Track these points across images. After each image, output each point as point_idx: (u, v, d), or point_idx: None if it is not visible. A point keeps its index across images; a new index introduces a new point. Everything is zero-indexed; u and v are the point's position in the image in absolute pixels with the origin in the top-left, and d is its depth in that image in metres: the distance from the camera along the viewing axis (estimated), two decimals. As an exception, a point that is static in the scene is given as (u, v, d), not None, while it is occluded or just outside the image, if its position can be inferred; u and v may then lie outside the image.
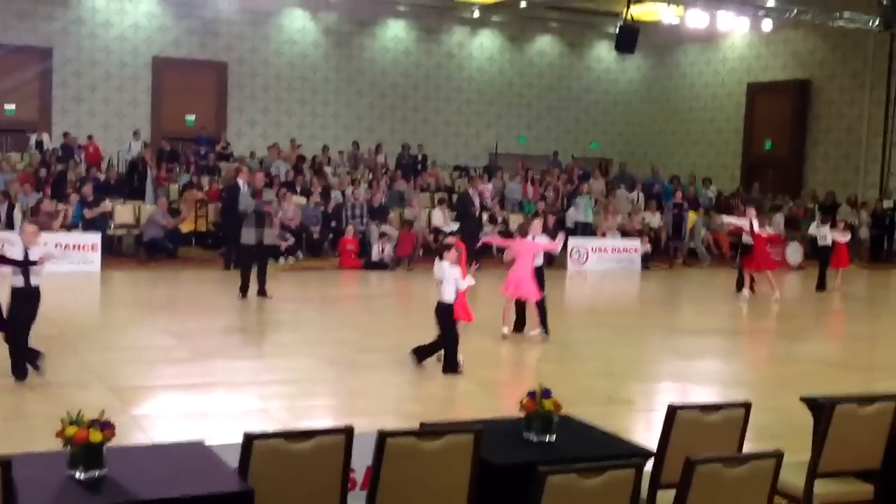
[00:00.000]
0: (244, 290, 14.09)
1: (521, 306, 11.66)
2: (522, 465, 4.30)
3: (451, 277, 9.32)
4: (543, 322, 11.44)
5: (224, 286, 15.70)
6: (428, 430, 4.35)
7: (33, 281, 8.41)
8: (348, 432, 4.27)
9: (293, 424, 7.29)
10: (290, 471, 4.14)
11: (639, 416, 8.68)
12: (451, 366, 9.46)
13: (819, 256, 18.09)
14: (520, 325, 11.70)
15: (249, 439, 4.11)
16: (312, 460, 4.20)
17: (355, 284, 17.12)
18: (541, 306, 11.43)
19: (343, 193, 21.34)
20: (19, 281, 8.38)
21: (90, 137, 23.92)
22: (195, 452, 4.45)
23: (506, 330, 11.54)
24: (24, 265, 8.34)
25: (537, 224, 11.64)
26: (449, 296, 9.35)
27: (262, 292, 14.18)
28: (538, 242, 11.53)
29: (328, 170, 23.83)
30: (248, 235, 14.04)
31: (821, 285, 17.62)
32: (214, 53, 27.17)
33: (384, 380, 9.31)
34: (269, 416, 7.77)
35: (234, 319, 12.92)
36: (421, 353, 9.61)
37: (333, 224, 20.36)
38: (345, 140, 27.64)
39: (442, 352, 9.58)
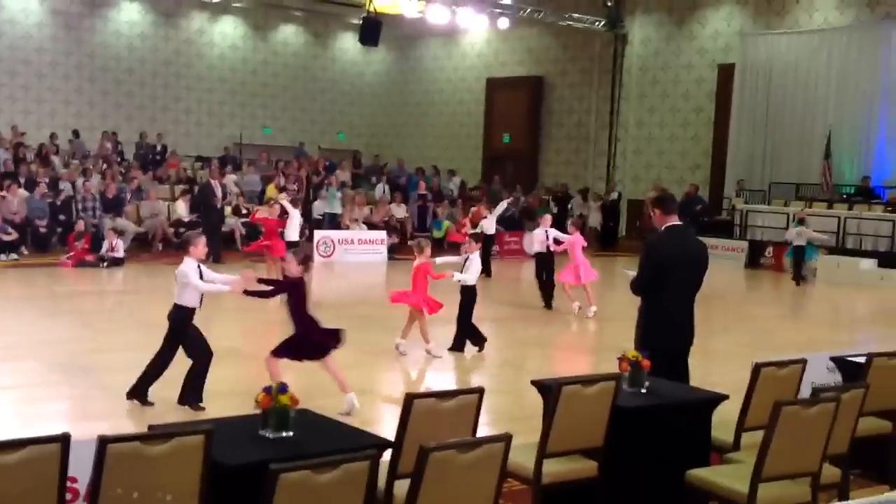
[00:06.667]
0: None
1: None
2: (256, 463, 4.15)
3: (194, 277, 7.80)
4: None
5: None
6: (154, 434, 4.11)
7: None
8: (64, 440, 3.94)
9: (21, 433, 6.71)
10: (-4, 486, 3.77)
11: (383, 406, 8.73)
12: (137, 391, 7.94)
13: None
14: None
15: (-53, 455, 3.70)
16: (24, 472, 3.83)
17: (87, 281, 16.13)
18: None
19: (73, 185, 20.07)
20: None
21: None
22: None
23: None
24: None
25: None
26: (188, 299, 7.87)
27: None
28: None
29: (56, 159, 22.32)
30: None
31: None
32: (-77, 31, 24.73)
33: (119, 381, 8.81)
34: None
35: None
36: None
37: (63, 218, 19.09)
38: (76, 127, 26.02)
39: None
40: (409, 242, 12.21)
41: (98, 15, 27.40)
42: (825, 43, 23.66)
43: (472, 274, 10.72)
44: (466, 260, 10.91)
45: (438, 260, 11.26)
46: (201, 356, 7.93)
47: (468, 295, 10.80)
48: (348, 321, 13.03)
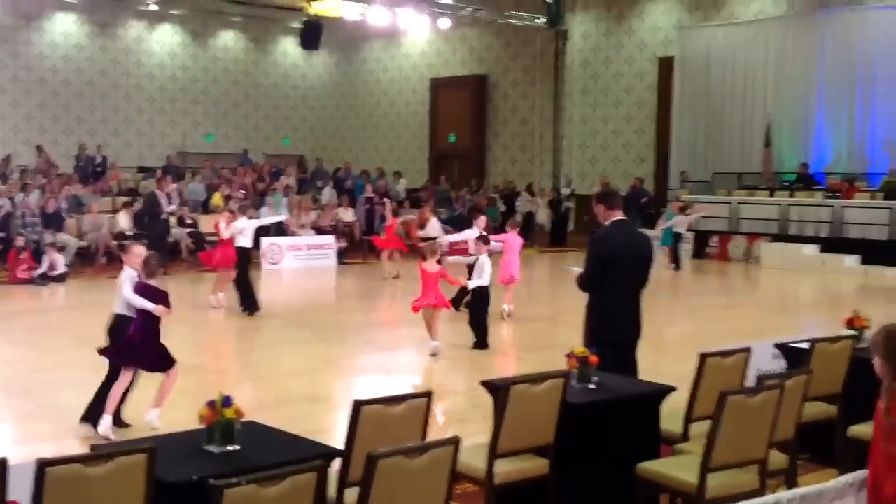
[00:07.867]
0: None
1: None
2: (201, 480, 4.07)
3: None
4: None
5: None
6: (94, 455, 4.02)
7: None
8: (1, 465, 3.83)
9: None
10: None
11: (338, 413, 8.65)
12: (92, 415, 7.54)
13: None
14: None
15: None
16: (-40, 501, 3.74)
17: (27, 298, 15.81)
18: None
19: (12, 200, 19.64)
20: None
21: None
22: None
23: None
24: None
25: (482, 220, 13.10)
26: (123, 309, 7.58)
27: None
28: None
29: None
30: None
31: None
32: None
33: (63, 400, 8.63)
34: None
35: None
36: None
37: (2, 235, 18.67)
38: (13, 142, 25.51)
39: None
40: (420, 245, 12.74)
41: (33, 27, 26.89)
42: (762, 33, 23.99)
43: (485, 275, 11.09)
44: (476, 261, 11.25)
45: (450, 259, 11.74)
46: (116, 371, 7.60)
47: (482, 294, 11.12)
48: (298, 328, 12.97)
